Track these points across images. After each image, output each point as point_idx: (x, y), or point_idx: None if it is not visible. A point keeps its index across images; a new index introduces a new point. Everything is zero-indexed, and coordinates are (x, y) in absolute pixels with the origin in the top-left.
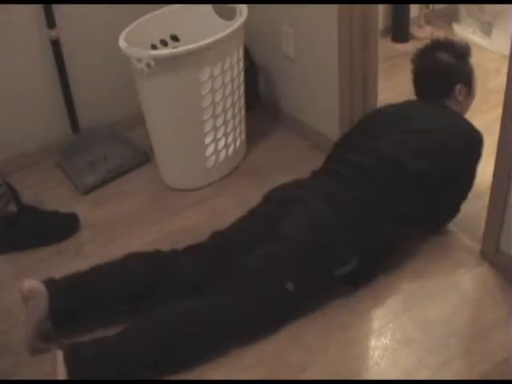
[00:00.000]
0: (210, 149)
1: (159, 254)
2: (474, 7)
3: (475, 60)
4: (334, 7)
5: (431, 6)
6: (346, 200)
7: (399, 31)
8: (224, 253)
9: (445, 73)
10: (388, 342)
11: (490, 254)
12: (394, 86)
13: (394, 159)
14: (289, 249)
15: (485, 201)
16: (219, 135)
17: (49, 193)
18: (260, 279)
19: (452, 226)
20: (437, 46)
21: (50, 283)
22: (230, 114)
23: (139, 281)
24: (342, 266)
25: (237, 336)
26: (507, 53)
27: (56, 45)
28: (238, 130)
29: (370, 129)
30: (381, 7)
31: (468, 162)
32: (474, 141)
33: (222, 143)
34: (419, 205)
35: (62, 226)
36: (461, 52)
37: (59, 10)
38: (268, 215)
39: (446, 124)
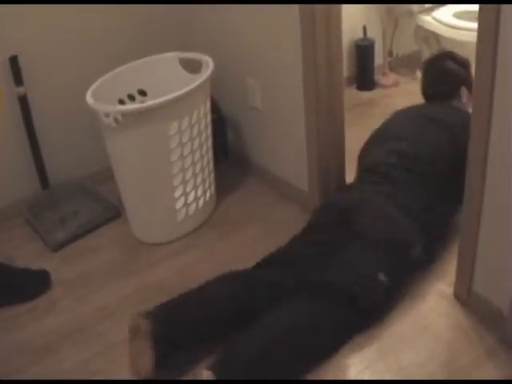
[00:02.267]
0: (180, 202)
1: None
2: None
3: None
4: (299, 57)
5: (395, 53)
6: (399, 198)
7: (364, 79)
8: (293, 267)
9: (451, 76)
10: None
11: (464, 295)
12: (361, 135)
13: (425, 153)
14: (370, 243)
15: (454, 244)
16: (189, 188)
17: (19, 250)
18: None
19: (423, 270)
20: (442, 55)
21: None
22: (198, 167)
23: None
24: (414, 247)
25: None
26: None
27: (23, 101)
28: (207, 183)
29: (391, 131)
30: (345, 56)
31: None
32: None
33: (191, 196)
34: (452, 184)
35: (34, 284)
36: (462, 60)
37: (26, 67)
38: (334, 223)
39: (459, 118)
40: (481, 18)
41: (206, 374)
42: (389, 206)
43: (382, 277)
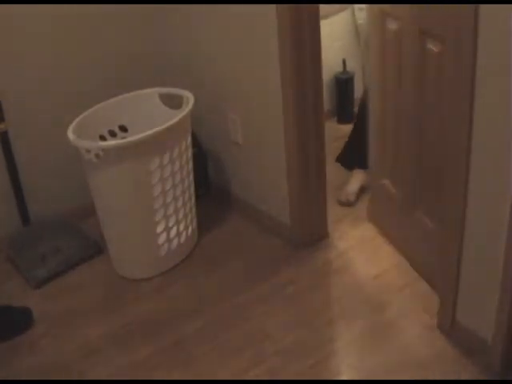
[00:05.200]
0: (162, 237)
1: None
2: None
3: None
4: (279, 93)
5: None
6: None
7: (344, 112)
8: None
9: None
10: None
11: (447, 326)
12: (342, 167)
13: None
14: None
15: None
16: (171, 223)
17: (0, 287)
18: None
19: (406, 303)
20: None
21: None
22: (180, 202)
23: None
24: None
25: None
26: None
27: (4, 137)
28: (189, 218)
29: None
30: (325, 90)
31: None
32: None
33: (173, 231)
34: None
35: (16, 322)
36: None
37: (7, 103)
38: None
39: None
40: None
41: None
42: None
43: None
